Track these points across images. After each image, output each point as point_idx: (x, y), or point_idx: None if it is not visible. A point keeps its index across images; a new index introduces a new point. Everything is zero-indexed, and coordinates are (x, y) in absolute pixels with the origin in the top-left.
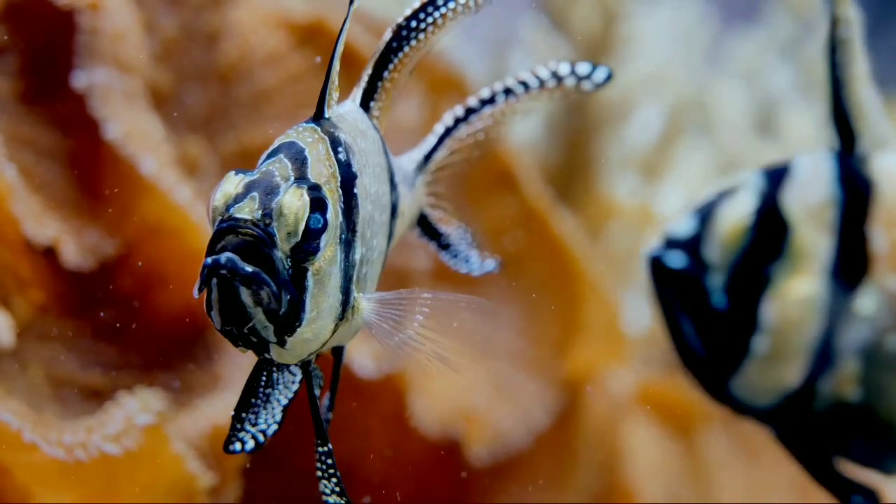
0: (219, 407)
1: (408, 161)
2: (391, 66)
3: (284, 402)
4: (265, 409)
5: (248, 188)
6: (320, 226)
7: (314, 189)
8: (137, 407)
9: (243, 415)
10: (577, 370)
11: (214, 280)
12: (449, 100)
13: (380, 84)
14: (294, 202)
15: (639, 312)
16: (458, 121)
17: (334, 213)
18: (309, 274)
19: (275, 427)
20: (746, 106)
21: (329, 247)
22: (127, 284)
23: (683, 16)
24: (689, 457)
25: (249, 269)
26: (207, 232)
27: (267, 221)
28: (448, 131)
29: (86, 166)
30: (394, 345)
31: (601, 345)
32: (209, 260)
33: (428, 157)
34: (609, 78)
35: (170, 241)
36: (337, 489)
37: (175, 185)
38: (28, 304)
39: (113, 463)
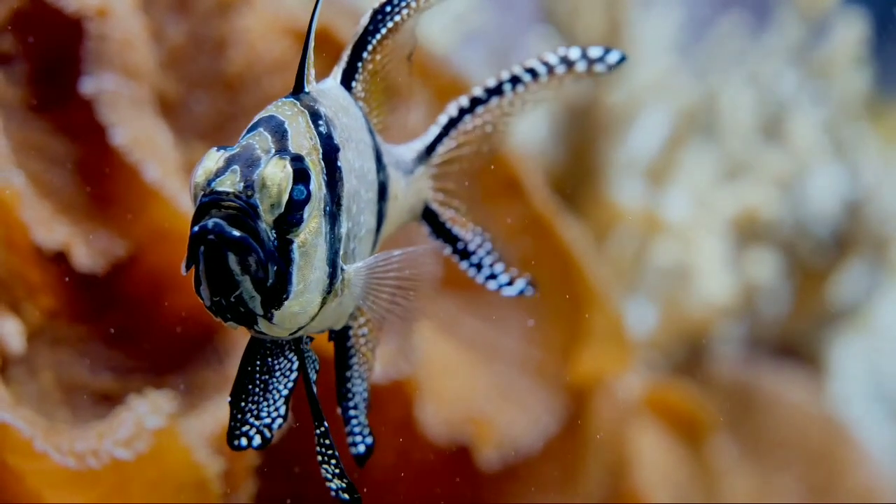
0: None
1: (406, 149)
2: (370, 48)
3: (285, 391)
4: (265, 398)
5: (229, 162)
6: (304, 197)
7: (297, 160)
8: (148, 410)
9: (242, 404)
10: (584, 375)
11: (202, 250)
12: None
13: (360, 65)
14: (277, 173)
15: (643, 317)
16: (463, 112)
17: (317, 185)
18: (294, 246)
19: (280, 421)
20: (753, 110)
21: (313, 218)
22: (136, 288)
23: (690, 21)
24: (696, 461)
25: (237, 233)
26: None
27: (249, 193)
28: (453, 122)
29: (94, 172)
30: (378, 310)
31: (607, 350)
32: (196, 228)
33: (431, 148)
34: (623, 59)
35: (176, 246)
36: (337, 471)
37: (180, 193)
38: (38, 309)
39: (124, 466)
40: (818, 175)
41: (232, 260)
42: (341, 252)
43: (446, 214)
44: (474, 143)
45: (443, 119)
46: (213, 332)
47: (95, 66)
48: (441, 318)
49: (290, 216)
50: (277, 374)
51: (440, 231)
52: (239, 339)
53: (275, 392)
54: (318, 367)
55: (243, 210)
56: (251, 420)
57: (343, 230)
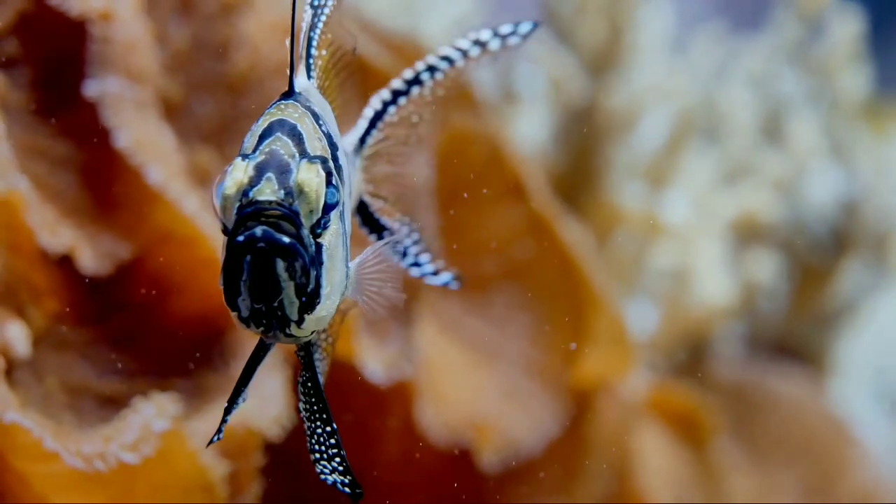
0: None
1: (345, 143)
2: (315, 44)
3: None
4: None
5: (260, 170)
6: (335, 200)
7: (325, 162)
8: (154, 412)
9: (234, 411)
10: (586, 378)
11: (248, 259)
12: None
13: (311, 62)
14: (313, 178)
15: (644, 318)
16: (386, 104)
17: (339, 185)
18: (323, 249)
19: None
20: (753, 112)
21: (335, 220)
22: (141, 291)
23: (691, 21)
24: (698, 462)
25: (287, 240)
26: (216, 232)
27: (290, 200)
28: (378, 115)
29: (98, 175)
30: (377, 307)
31: (610, 352)
32: (241, 238)
33: (363, 141)
34: (535, 27)
35: (180, 249)
36: (341, 468)
37: (183, 196)
38: (43, 313)
39: (130, 469)
40: (817, 174)
41: (280, 266)
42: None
43: (375, 205)
44: (401, 133)
45: (368, 112)
46: (219, 335)
47: (99, 69)
48: (443, 320)
49: (323, 220)
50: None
51: (368, 221)
52: (245, 340)
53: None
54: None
55: (288, 217)
56: (227, 419)
57: (348, 227)
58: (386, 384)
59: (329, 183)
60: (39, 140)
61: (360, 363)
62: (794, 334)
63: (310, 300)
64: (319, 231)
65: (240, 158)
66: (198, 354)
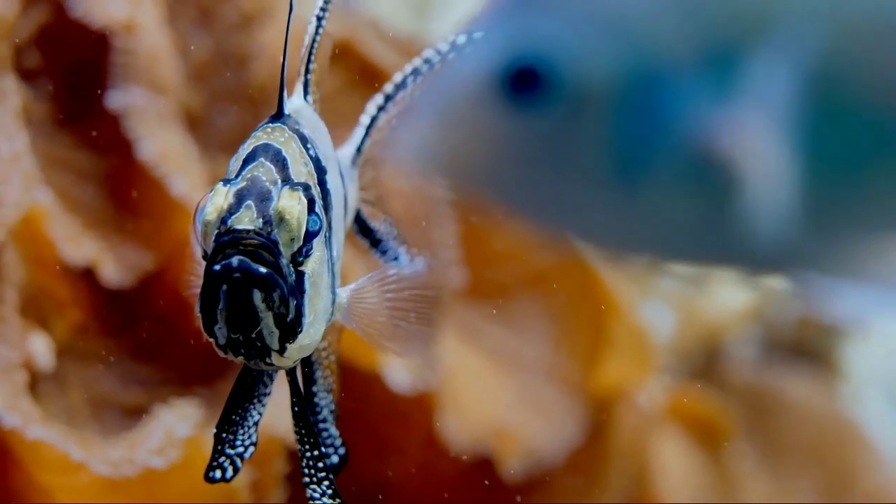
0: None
1: (343, 156)
2: (312, 57)
3: (257, 417)
4: (242, 427)
5: (240, 197)
6: (318, 227)
7: (307, 189)
8: (176, 419)
9: (224, 435)
10: (607, 385)
11: (224, 289)
12: None
13: (309, 77)
14: (294, 206)
15: (659, 323)
16: (379, 109)
17: (321, 212)
18: (305, 277)
19: (252, 449)
20: None
21: (318, 247)
22: (163, 301)
23: None
24: (715, 466)
25: (264, 270)
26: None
27: (268, 229)
28: (373, 121)
29: (121, 186)
30: (373, 334)
31: (630, 359)
32: (218, 267)
33: (359, 150)
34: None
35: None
36: (330, 491)
37: None
38: (66, 324)
39: (154, 477)
40: None
41: (257, 297)
42: (336, 276)
43: (366, 210)
44: (385, 138)
45: (365, 119)
46: None
47: (122, 80)
48: (463, 328)
49: (305, 248)
50: (255, 401)
51: (362, 226)
52: None
53: (249, 419)
54: (332, 387)
55: (265, 247)
56: (227, 450)
57: (335, 253)
58: (409, 393)
59: (312, 210)
60: (62, 151)
61: (384, 372)
62: (808, 337)
63: (290, 329)
64: (301, 259)
65: (221, 183)
66: (219, 363)
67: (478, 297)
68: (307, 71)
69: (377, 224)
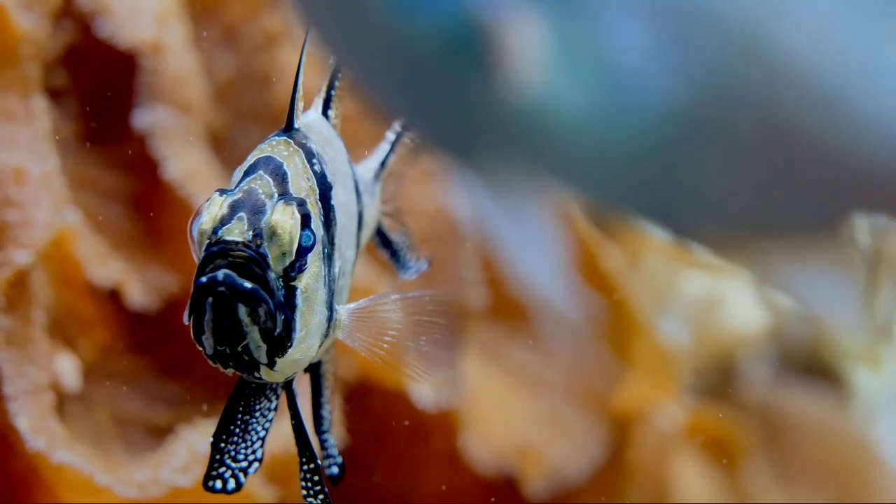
0: (276, 434)
1: (365, 170)
2: (340, 74)
3: (262, 433)
4: (244, 440)
5: (234, 208)
6: (311, 243)
7: (301, 205)
8: (200, 437)
9: (222, 445)
10: (629, 404)
11: (210, 300)
12: None
13: (333, 93)
14: (286, 220)
15: (676, 341)
16: (404, 126)
17: (318, 228)
18: (298, 292)
19: (256, 465)
20: None
21: (314, 262)
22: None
23: None
24: (731, 484)
25: (248, 285)
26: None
27: (258, 242)
28: (398, 137)
29: (147, 206)
30: (376, 353)
31: (652, 378)
32: (203, 279)
33: (383, 165)
34: None
35: None
36: None
37: None
38: (93, 344)
39: (178, 496)
40: None
41: (242, 311)
42: (336, 293)
43: (386, 223)
44: (408, 153)
45: (390, 135)
46: None
47: (149, 99)
48: (486, 347)
49: (298, 263)
50: (257, 414)
51: (383, 239)
52: None
53: (253, 433)
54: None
55: (253, 260)
56: (228, 462)
57: (336, 269)
58: (433, 410)
59: (306, 225)
60: (88, 171)
61: (408, 389)
62: (822, 355)
63: (279, 344)
64: (294, 274)
65: (218, 193)
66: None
67: (499, 315)
68: (331, 87)
69: (395, 236)
